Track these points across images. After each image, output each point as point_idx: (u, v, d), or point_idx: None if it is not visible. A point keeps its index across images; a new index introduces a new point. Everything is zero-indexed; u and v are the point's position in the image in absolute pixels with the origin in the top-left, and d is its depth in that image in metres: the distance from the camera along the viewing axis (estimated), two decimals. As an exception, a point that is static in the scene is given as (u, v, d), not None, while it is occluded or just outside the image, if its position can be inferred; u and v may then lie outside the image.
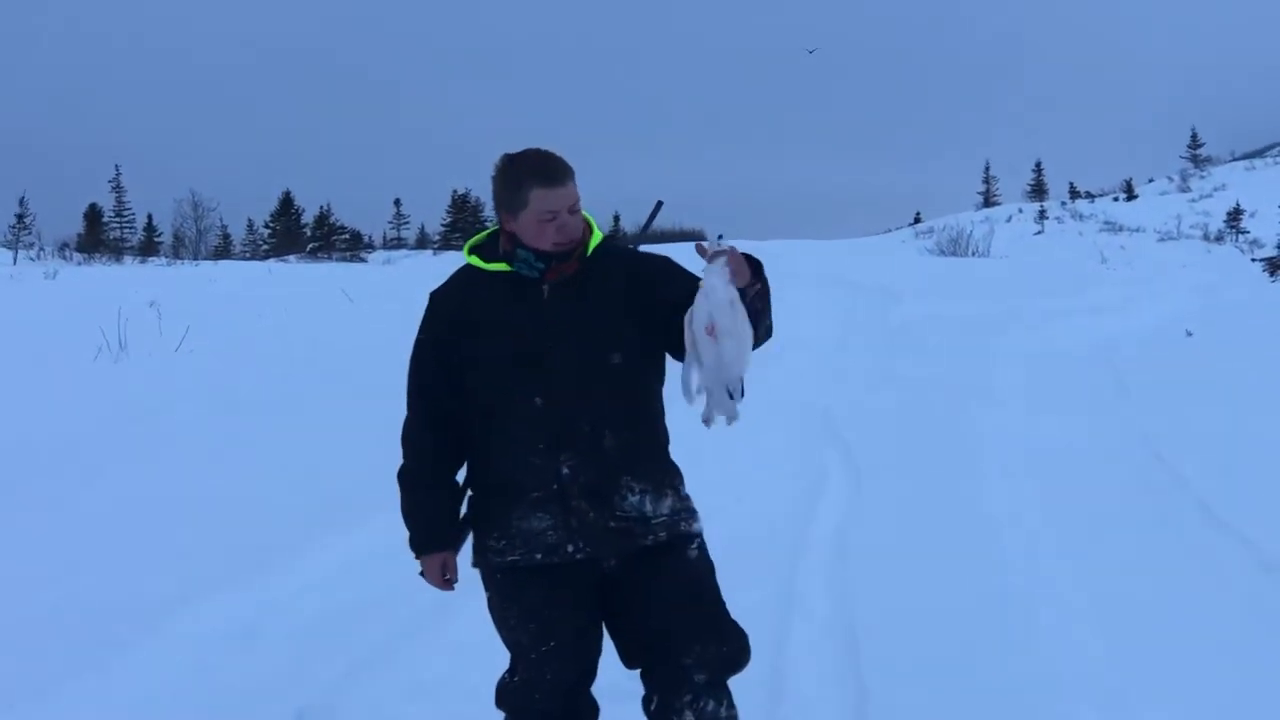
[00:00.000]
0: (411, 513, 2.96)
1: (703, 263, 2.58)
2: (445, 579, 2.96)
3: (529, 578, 2.86)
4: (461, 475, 3.01)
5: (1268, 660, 4.03)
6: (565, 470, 2.80)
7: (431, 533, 2.94)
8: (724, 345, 2.53)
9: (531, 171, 2.80)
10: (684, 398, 2.63)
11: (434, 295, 3.00)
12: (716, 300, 2.52)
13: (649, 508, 2.83)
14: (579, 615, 2.90)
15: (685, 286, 2.68)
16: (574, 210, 2.83)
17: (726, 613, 2.95)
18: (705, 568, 2.92)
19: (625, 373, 2.83)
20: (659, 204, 3.39)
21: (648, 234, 3.63)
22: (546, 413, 2.80)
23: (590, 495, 2.81)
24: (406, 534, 2.97)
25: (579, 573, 2.86)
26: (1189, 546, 5.28)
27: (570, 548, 2.82)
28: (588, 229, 2.93)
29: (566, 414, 2.80)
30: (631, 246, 3.12)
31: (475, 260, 2.93)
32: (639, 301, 2.85)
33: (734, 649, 2.91)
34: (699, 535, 2.95)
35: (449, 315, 2.93)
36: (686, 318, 2.58)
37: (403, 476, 2.98)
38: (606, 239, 2.95)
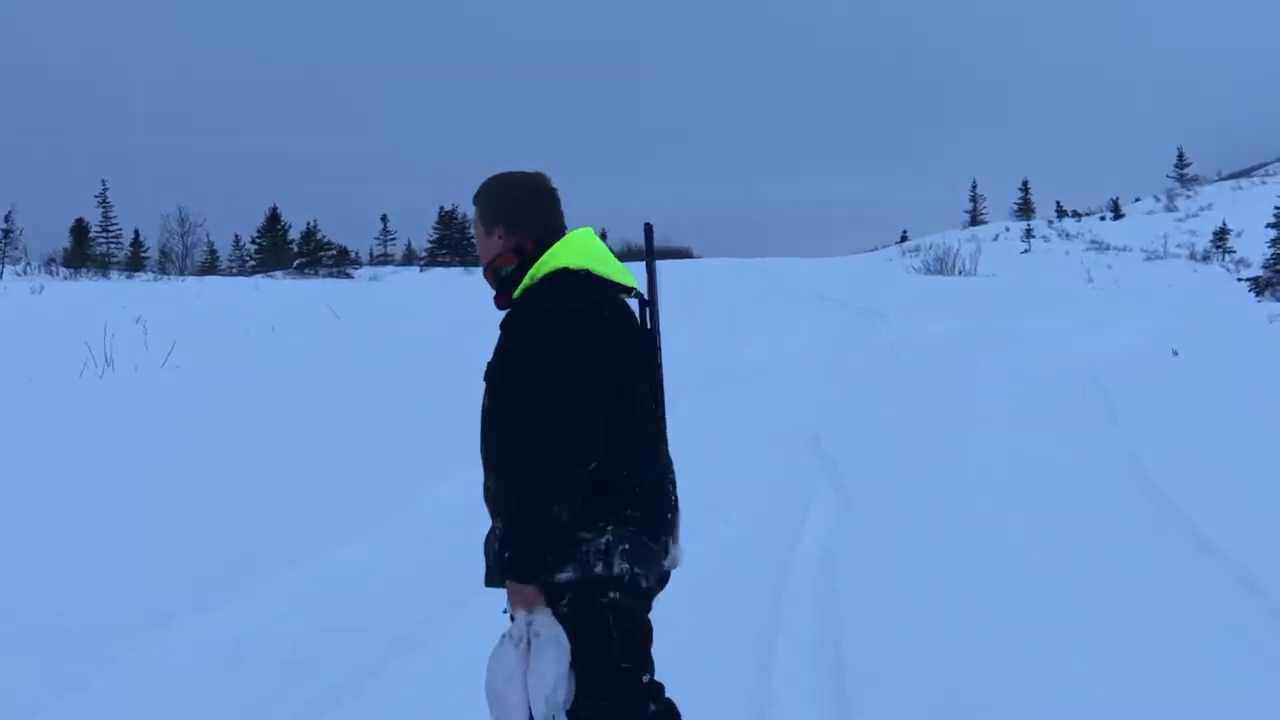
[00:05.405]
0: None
1: None
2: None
3: None
4: None
5: (1250, 681, 4.04)
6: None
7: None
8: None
9: None
10: None
11: None
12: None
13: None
14: None
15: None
16: (475, 235, 2.94)
17: None
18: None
19: (495, 421, 2.75)
20: (648, 227, 3.36)
21: (639, 254, 3.63)
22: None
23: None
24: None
25: None
26: (1173, 566, 5.29)
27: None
28: (512, 266, 2.84)
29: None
30: (540, 304, 2.74)
31: None
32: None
33: None
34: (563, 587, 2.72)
35: None
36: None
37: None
38: (541, 283, 2.74)
